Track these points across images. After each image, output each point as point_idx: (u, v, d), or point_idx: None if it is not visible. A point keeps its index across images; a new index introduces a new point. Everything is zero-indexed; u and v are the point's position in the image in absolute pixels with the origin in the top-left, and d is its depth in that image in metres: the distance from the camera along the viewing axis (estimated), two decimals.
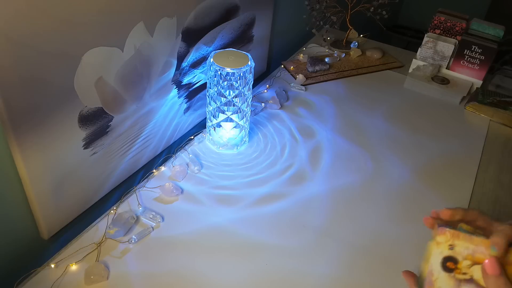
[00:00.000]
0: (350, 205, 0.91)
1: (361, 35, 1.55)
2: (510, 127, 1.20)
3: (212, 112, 0.97)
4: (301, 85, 1.28)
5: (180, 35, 0.92)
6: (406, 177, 0.99)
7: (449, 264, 0.47)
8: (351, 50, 1.46)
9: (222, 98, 0.93)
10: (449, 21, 1.34)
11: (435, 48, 1.36)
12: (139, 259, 0.76)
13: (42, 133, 0.69)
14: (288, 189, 0.93)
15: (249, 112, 1.00)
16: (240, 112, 0.96)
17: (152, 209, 0.85)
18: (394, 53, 1.51)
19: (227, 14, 1.06)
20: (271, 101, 1.17)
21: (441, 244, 0.48)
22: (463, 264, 0.46)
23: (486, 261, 0.44)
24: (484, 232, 0.49)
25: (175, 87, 0.98)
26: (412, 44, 2.36)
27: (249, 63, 0.92)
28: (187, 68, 0.99)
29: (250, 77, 0.93)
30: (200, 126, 1.13)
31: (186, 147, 1.02)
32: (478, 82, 1.35)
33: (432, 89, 1.32)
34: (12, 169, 0.69)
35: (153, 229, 0.81)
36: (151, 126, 0.95)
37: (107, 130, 0.82)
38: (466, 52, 1.33)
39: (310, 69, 1.34)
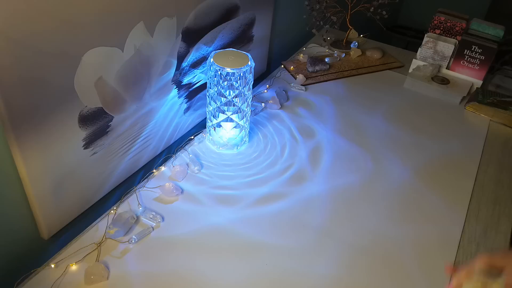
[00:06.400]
0: (350, 205, 0.91)
1: (361, 35, 1.55)
2: (510, 127, 1.20)
3: (212, 112, 0.97)
4: (301, 85, 1.28)
5: (180, 35, 0.92)
6: (406, 177, 0.99)
7: None
8: (351, 50, 1.46)
9: (222, 98, 0.93)
10: (449, 21, 1.34)
11: (435, 48, 1.36)
12: (139, 259, 0.76)
13: (42, 133, 0.69)
14: (288, 189, 0.93)
15: (249, 112, 1.00)
16: (240, 112, 0.96)
17: (152, 209, 0.85)
18: (394, 53, 1.51)
19: (227, 14, 1.06)
20: (271, 101, 1.17)
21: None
22: None
23: None
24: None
25: (175, 87, 0.98)
26: (412, 44, 2.35)
27: (249, 63, 0.92)
28: (187, 68, 0.99)
29: (250, 77, 0.93)
30: (200, 126, 1.13)
31: (186, 147, 1.02)
32: (478, 82, 1.35)
33: (432, 89, 1.32)
34: (12, 169, 0.69)
35: (153, 229, 0.81)
36: (151, 126, 0.95)
37: (107, 130, 0.82)
38: (466, 52, 1.33)
39: (310, 69, 1.34)
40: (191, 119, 1.09)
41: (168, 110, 0.98)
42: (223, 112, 0.95)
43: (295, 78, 1.30)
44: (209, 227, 0.83)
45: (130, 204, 0.85)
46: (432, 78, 1.35)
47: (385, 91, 1.30)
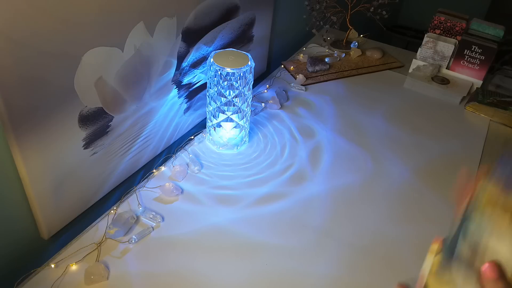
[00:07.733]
0: (350, 205, 0.91)
1: (361, 35, 1.55)
2: (510, 127, 1.20)
3: (212, 112, 0.97)
4: (301, 85, 1.28)
5: (180, 35, 0.92)
6: (406, 177, 0.99)
7: None
8: (351, 50, 1.46)
9: (222, 98, 0.93)
10: (449, 21, 1.34)
11: (435, 48, 1.36)
12: (139, 259, 0.76)
13: (42, 133, 0.69)
14: (288, 189, 0.93)
15: (249, 112, 1.00)
16: (240, 112, 0.96)
17: (152, 209, 0.85)
18: (394, 53, 1.51)
19: (227, 14, 1.06)
20: (271, 101, 1.17)
21: (433, 253, 0.48)
22: None
23: (486, 265, 0.43)
24: None
25: (175, 87, 0.98)
26: (412, 44, 2.35)
27: (249, 63, 0.92)
28: (187, 68, 0.99)
29: (250, 77, 0.93)
30: (200, 126, 1.13)
31: (186, 147, 1.02)
32: (478, 82, 1.35)
33: (432, 89, 1.32)
34: (12, 169, 0.69)
35: (153, 229, 0.81)
36: (151, 126, 0.95)
37: (107, 130, 0.82)
38: (466, 52, 1.33)
39: (310, 69, 1.34)
40: (191, 119, 1.09)
41: (168, 110, 0.98)
42: (223, 112, 0.95)
43: (295, 78, 1.30)
44: (209, 227, 0.83)
45: (130, 204, 0.85)
46: (432, 78, 1.35)
47: (385, 91, 1.30)
